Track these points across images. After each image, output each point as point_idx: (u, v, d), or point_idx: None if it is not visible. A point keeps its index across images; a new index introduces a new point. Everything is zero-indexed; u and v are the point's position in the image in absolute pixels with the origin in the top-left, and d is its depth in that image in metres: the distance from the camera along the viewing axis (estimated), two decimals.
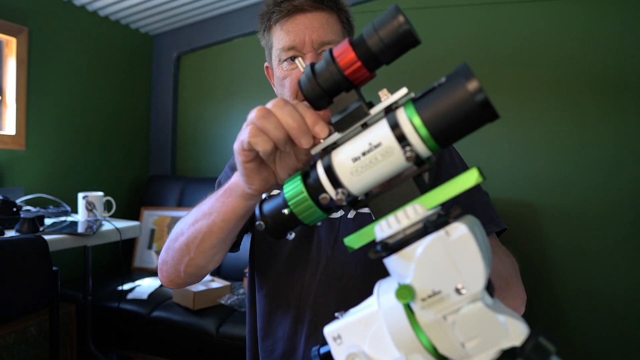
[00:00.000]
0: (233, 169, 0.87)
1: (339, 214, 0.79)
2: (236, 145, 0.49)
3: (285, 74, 0.79)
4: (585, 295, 2.01)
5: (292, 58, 0.78)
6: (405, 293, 0.34)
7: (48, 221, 1.78)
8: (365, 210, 0.77)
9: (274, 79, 0.86)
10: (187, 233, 0.66)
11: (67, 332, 1.84)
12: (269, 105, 0.46)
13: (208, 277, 2.05)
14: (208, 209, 0.62)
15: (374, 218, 0.40)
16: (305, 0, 0.77)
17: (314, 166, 0.43)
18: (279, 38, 0.79)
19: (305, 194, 0.42)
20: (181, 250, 0.67)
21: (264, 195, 0.48)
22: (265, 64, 0.88)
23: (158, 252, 2.05)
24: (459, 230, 0.34)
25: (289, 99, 0.79)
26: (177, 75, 2.86)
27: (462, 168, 0.83)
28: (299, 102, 0.50)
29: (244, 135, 0.46)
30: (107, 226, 1.77)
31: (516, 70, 2.13)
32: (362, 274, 0.75)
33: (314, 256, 0.78)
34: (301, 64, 0.45)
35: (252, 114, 0.46)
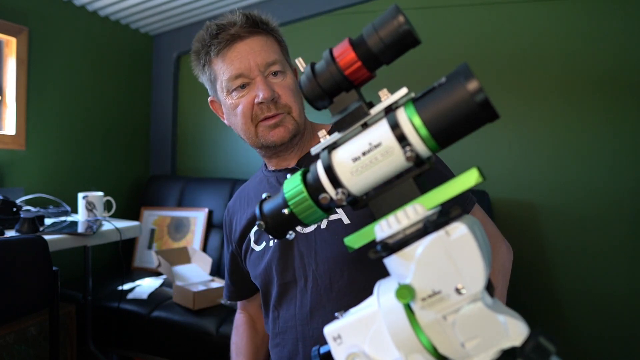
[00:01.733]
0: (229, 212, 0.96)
1: (311, 227, 0.80)
2: None
3: (236, 102, 0.80)
4: (585, 296, 2.01)
5: (242, 86, 0.79)
6: (405, 293, 0.34)
7: (48, 221, 1.78)
8: (336, 216, 0.78)
9: (221, 111, 0.87)
10: None
11: (67, 332, 1.84)
12: None
13: (208, 277, 2.05)
14: None
15: (374, 218, 0.40)
16: (240, 28, 0.78)
17: (314, 166, 0.43)
18: (223, 69, 0.79)
19: (305, 194, 0.42)
20: None
21: (264, 195, 0.48)
22: (210, 98, 0.89)
23: (158, 252, 2.05)
24: (459, 230, 0.34)
25: (242, 125, 0.81)
26: (177, 75, 2.86)
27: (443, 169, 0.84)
28: None
29: None
30: (107, 226, 1.77)
31: (516, 70, 2.13)
32: (348, 279, 0.76)
33: (300, 273, 0.80)
34: (301, 64, 0.45)
35: None
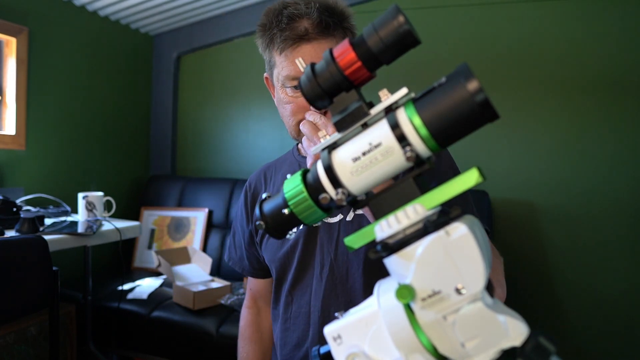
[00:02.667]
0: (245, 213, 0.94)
1: (337, 218, 0.80)
2: None
3: (289, 100, 0.78)
4: (585, 295, 2.01)
5: (296, 87, 0.76)
6: (405, 293, 0.34)
7: (48, 221, 1.78)
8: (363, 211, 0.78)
9: (274, 93, 0.85)
10: None
11: (67, 332, 1.84)
12: None
13: (208, 277, 2.05)
14: None
15: (374, 218, 0.40)
16: (311, 27, 0.73)
17: (314, 166, 0.43)
18: (283, 65, 0.77)
19: (305, 194, 0.42)
20: None
21: (264, 195, 0.48)
22: (265, 75, 0.87)
23: (158, 252, 2.05)
24: (459, 230, 0.34)
25: (288, 121, 0.80)
26: (177, 75, 2.86)
27: (449, 167, 0.83)
28: None
29: None
30: (107, 226, 1.77)
31: (516, 70, 2.13)
32: (364, 273, 0.77)
33: (318, 261, 0.81)
34: (301, 64, 0.45)
35: None
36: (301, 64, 0.45)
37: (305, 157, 0.88)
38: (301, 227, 0.81)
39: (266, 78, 0.88)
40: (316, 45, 0.74)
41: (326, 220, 0.81)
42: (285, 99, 0.79)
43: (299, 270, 0.82)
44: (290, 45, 0.74)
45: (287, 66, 0.76)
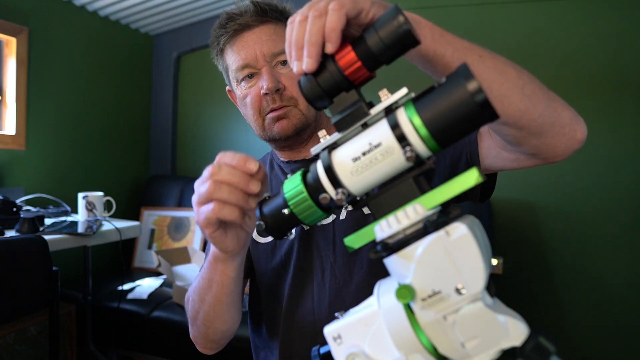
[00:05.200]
0: None
1: (330, 218, 0.77)
2: (201, 222, 0.52)
3: (245, 93, 0.79)
4: (585, 295, 2.01)
5: (249, 76, 0.78)
6: (405, 293, 0.34)
7: (48, 221, 1.78)
8: None
9: (237, 101, 0.85)
10: (202, 311, 0.70)
11: (67, 332, 1.84)
12: (208, 175, 0.51)
13: None
14: (207, 282, 0.65)
15: (374, 218, 0.40)
16: (249, 17, 0.77)
17: (314, 166, 0.43)
18: (232, 59, 0.79)
19: (305, 194, 0.42)
20: (204, 326, 0.72)
21: (265, 195, 0.48)
22: (227, 88, 0.88)
23: (158, 252, 2.05)
24: (459, 230, 0.33)
25: (252, 116, 0.80)
26: (177, 75, 2.86)
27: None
28: (222, 153, 0.53)
29: (205, 212, 0.50)
30: (107, 226, 1.77)
31: None
32: (368, 273, 0.74)
33: (317, 266, 0.77)
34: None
35: (203, 188, 0.50)
36: None
37: (288, 162, 0.85)
38: (292, 236, 0.77)
39: (229, 91, 0.89)
40: (257, 31, 0.77)
41: (319, 223, 0.76)
42: (242, 94, 0.80)
43: (296, 278, 0.78)
44: (232, 36, 0.78)
45: (235, 57, 0.78)
